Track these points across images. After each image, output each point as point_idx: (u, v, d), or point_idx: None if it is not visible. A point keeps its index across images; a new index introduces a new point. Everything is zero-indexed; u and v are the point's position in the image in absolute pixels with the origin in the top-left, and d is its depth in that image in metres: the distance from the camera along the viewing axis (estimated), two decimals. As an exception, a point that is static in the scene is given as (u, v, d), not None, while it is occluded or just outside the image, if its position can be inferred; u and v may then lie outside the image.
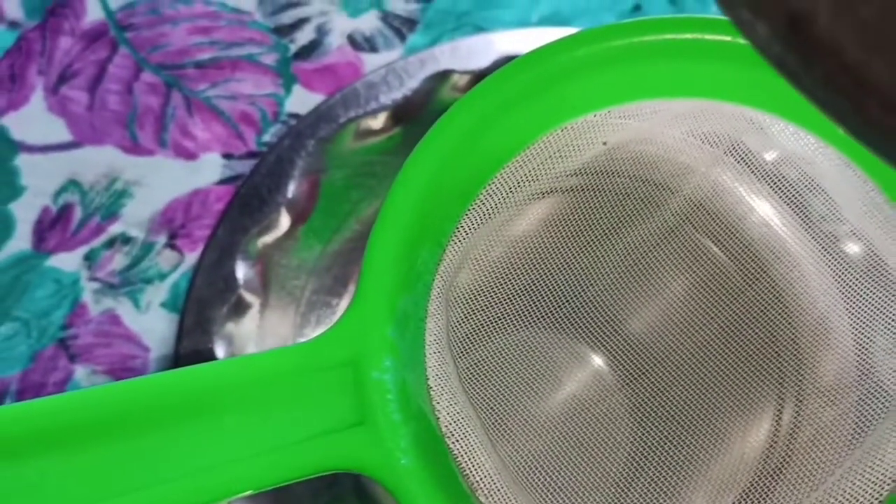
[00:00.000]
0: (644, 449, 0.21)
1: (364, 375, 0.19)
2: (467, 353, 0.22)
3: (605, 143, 0.22)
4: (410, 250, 0.20)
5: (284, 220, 0.29)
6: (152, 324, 0.29)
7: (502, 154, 0.21)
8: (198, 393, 0.19)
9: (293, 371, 0.19)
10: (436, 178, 0.20)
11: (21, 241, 0.30)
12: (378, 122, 0.30)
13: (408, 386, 0.19)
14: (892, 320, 0.20)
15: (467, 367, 0.21)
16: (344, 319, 0.19)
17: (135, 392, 0.19)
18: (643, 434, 0.21)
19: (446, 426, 0.20)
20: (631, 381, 0.22)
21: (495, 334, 0.22)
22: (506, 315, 0.22)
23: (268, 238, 0.29)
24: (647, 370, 0.22)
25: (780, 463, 0.21)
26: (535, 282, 0.22)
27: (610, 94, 0.21)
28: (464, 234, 0.21)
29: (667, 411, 0.22)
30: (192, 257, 0.30)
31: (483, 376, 0.22)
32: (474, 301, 0.22)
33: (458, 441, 0.20)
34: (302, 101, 0.32)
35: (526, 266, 0.22)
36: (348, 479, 0.28)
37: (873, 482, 0.19)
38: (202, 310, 0.28)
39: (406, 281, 0.20)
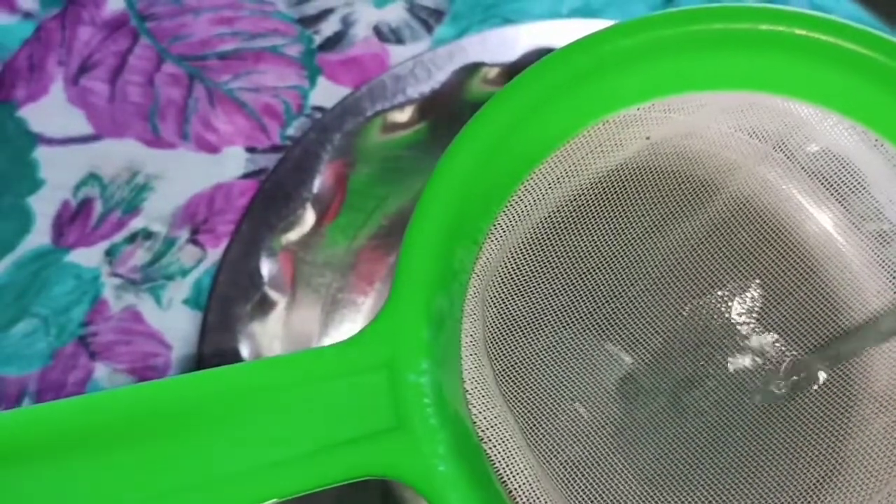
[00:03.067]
0: (688, 454, 0.20)
1: (400, 378, 0.18)
2: (504, 354, 0.21)
3: (648, 138, 0.21)
4: (447, 248, 0.19)
5: (310, 216, 0.28)
6: (174, 321, 0.28)
7: (541, 149, 0.20)
8: (227, 395, 0.18)
9: (327, 373, 0.18)
10: (473, 174, 0.19)
11: (40, 235, 0.29)
12: (405, 115, 0.30)
13: (444, 389, 0.18)
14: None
15: (504, 370, 0.21)
16: (378, 320, 0.18)
17: (162, 393, 0.18)
18: (687, 439, 0.21)
19: (483, 431, 0.19)
20: (674, 386, 0.21)
21: (533, 335, 0.21)
22: (544, 315, 0.21)
23: (293, 234, 0.28)
24: (690, 373, 0.21)
25: (829, 471, 0.20)
26: (575, 281, 0.21)
27: (654, 87, 0.20)
28: (501, 231, 0.20)
29: (712, 415, 0.21)
30: (214, 253, 0.29)
31: (520, 379, 0.21)
32: (511, 301, 0.21)
33: (495, 446, 0.19)
34: (327, 93, 0.31)
35: (565, 265, 0.21)
36: (375, 482, 0.28)
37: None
38: (226, 307, 0.27)
39: (442, 280, 0.19)
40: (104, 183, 0.30)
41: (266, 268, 0.28)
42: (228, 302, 0.27)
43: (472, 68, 0.30)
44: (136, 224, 0.29)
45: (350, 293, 0.29)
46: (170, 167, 0.30)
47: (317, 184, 0.28)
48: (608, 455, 0.20)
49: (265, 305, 0.27)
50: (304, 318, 0.28)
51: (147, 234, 0.29)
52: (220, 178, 0.30)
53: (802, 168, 0.21)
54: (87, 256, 0.29)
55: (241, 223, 0.28)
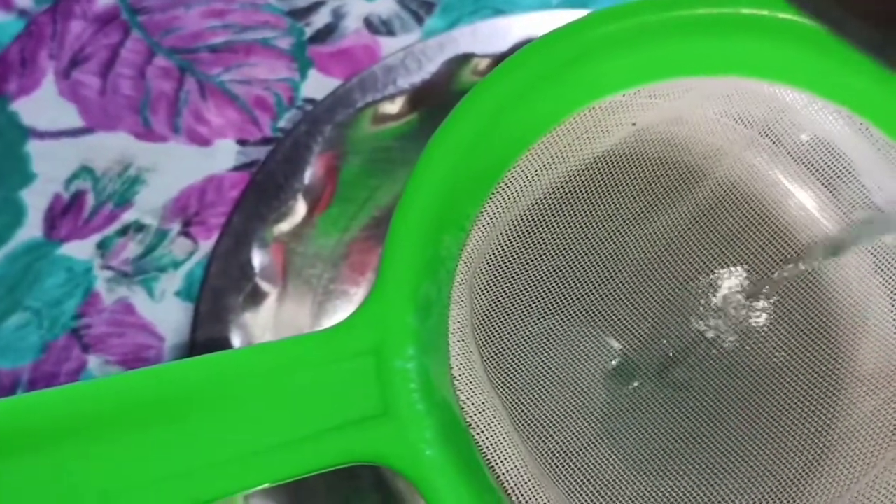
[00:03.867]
0: (676, 440, 0.20)
1: (387, 364, 0.18)
2: (492, 341, 0.21)
3: (634, 124, 0.21)
4: (433, 235, 0.19)
5: (301, 207, 0.28)
6: (167, 313, 0.28)
7: (528, 135, 0.20)
8: (216, 382, 0.18)
9: (314, 359, 0.18)
10: (459, 161, 0.19)
11: (32, 228, 0.29)
12: (395, 106, 0.30)
13: (431, 375, 0.18)
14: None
15: (492, 356, 0.21)
16: (365, 306, 0.19)
17: (152, 381, 0.19)
18: (675, 425, 0.21)
19: (471, 416, 0.19)
20: (661, 371, 0.21)
21: (521, 322, 0.21)
22: (532, 302, 0.21)
23: (284, 225, 0.28)
24: (677, 359, 0.21)
25: (818, 455, 0.20)
26: (562, 268, 0.21)
27: (640, 73, 0.20)
28: (488, 218, 0.20)
29: (699, 401, 0.21)
30: (206, 245, 0.29)
31: (508, 365, 0.21)
32: (499, 288, 0.21)
33: (483, 432, 0.19)
34: (318, 85, 0.31)
35: (552, 251, 0.21)
36: (367, 472, 0.28)
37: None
38: (217, 298, 0.27)
39: (429, 267, 0.19)
40: (96, 176, 0.30)
41: (257, 259, 0.28)
42: (220, 293, 0.27)
43: (463, 59, 0.30)
44: (128, 217, 0.29)
45: (342, 284, 0.29)
46: (161, 160, 0.30)
47: (308, 175, 0.28)
48: (596, 441, 0.21)
49: (257, 296, 0.27)
50: (295, 309, 0.28)
51: (139, 227, 0.29)
52: (212, 170, 0.30)
53: (789, 153, 0.21)
54: (80, 249, 0.29)
55: (233, 215, 0.28)
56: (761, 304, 0.21)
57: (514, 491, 0.19)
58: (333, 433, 0.18)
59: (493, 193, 0.20)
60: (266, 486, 0.18)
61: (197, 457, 0.18)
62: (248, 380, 0.18)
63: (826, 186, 0.21)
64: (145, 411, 0.18)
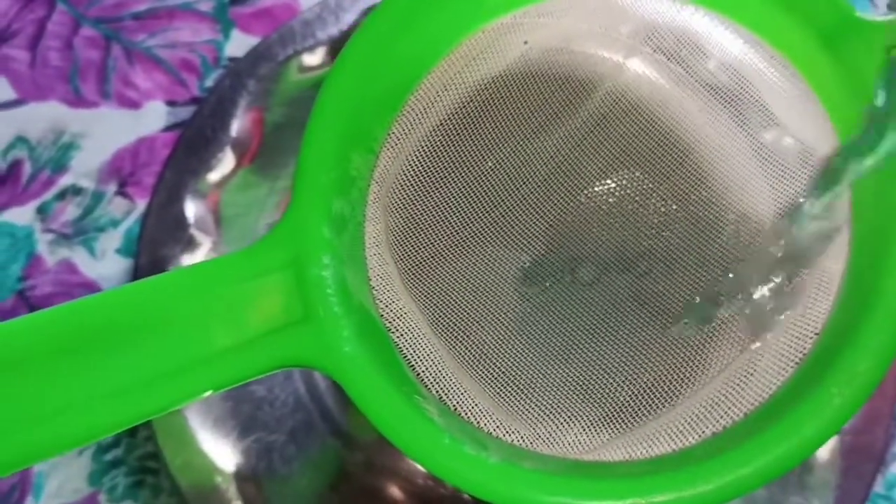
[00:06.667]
0: (585, 332, 0.22)
1: (304, 273, 0.19)
2: (408, 255, 0.22)
3: (526, 43, 0.22)
4: (341, 155, 0.20)
5: (230, 159, 0.30)
6: (109, 270, 0.30)
7: (426, 58, 0.22)
8: (151, 304, 0.19)
9: (237, 276, 0.19)
10: (361, 84, 0.21)
11: (-27, 199, 0.30)
12: (316, 57, 0.31)
13: (347, 282, 0.20)
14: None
15: (408, 269, 0.22)
16: (281, 223, 0.20)
17: (91, 309, 0.19)
18: (584, 319, 0.22)
19: (389, 322, 0.21)
20: (568, 272, 0.23)
21: (435, 237, 0.23)
22: (444, 218, 0.23)
23: (215, 176, 0.29)
24: (582, 260, 0.23)
25: (713, 331, 0.21)
26: (470, 184, 0.23)
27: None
28: (395, 140, 0.22)
29: (604, 296, 0.22)
30: (143, 203, 0.30)
31: (425, 276, 0.22)
32: (412, 206, 0.22)
33: (402, 335, 0.21)
34: (241, 45, 0.32)
35: (460, 169, 0.23)
36: (313, 404, 0.29)
37: (798, 337, 0.20)
38: (155, 250, 0.28)
39: (340, 184, 0.20)
40: (31, 145, 0.31)
41: (191, 211, 0.29)
42: (157, 245, 0.28)
43: (378, 9, 0.31)
44: (65, 181, 0.30)
45: (277, 231, 0.30)
46: (94, 125, 0.31)
47: (235, 128, 0.30)
48: (510, 338, 0.22)
49: (193, 246, 0.29)
50: (232, 256, 0.29)
51: (76, 190, 0.30)
52: (143, 132, 0.31)
53: (669, 59, 0.22)
54: (20, 215, 0.30)
55: (164, 170, 0.29)
56: (656, 201, 0.23)
57: (432, 385, 0.20)
58: (261, 341, 0.19)
59: (398, 116, 0.22)
60: (208, 393, 0.20)
61: (141, 372, 0.19)
62: (179, 299, 0.19)
63: (703, 86, 0.22)
64: (89, 337, 0.19)
